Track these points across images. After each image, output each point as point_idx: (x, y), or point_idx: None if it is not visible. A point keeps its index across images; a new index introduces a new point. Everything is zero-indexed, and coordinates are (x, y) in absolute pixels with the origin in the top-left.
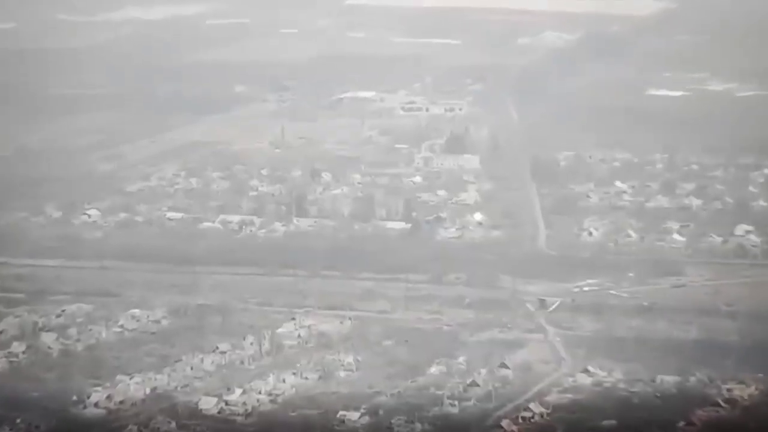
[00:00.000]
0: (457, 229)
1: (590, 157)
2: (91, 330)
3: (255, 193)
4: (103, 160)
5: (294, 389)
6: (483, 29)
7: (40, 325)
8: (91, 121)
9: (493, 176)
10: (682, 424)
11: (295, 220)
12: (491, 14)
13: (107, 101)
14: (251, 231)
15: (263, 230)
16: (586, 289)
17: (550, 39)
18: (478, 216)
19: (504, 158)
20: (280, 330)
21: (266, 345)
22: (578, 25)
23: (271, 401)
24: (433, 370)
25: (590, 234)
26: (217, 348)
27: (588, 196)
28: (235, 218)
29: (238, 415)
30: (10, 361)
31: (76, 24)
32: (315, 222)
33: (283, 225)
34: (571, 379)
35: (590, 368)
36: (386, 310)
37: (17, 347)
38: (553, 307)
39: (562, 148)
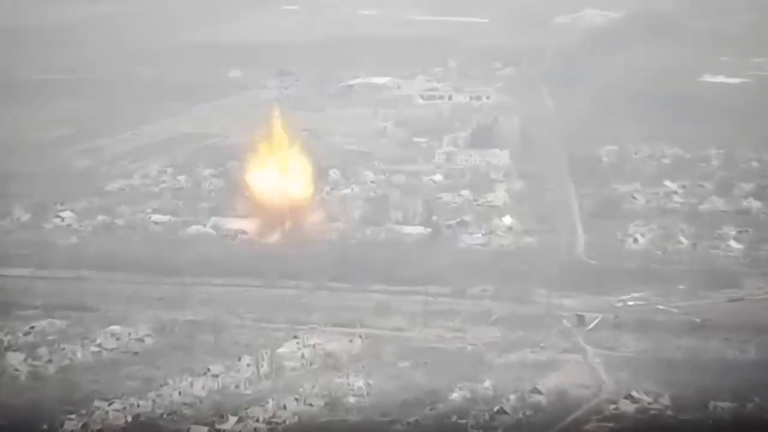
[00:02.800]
0: (483, 234)
1: (636, 152)
2: (64, 349)
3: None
4: (78, 154)
5: (296, 417)
6: (514, 6)
7: (5, 343)
8: (64, 110)
9: (525, 174)
10: None
11: None
12: None
13: (82, 87)
14: (247, 236)
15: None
16: (630, 303)
17: (590, 17)
18: (507, 219)
19: (537, 154)
20: (280, 350)
21: (265, 367)
22: (622, 2)
23: (271, 430)
24: (455, 395)
25: (635, 240)
26: (209, 370)
27: (633, 198)
28: (229, 222)
29: None
30: None
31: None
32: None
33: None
34: (612, 406)
35: (634, 394)
36: (402, 328)
37: None
38: (593, 324)
39: (604, 142)
